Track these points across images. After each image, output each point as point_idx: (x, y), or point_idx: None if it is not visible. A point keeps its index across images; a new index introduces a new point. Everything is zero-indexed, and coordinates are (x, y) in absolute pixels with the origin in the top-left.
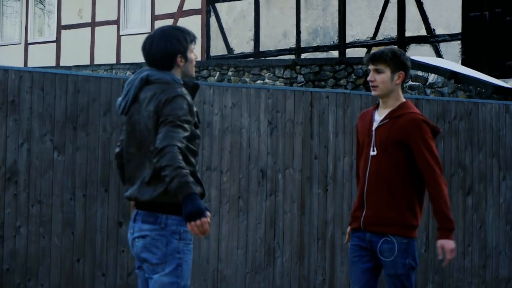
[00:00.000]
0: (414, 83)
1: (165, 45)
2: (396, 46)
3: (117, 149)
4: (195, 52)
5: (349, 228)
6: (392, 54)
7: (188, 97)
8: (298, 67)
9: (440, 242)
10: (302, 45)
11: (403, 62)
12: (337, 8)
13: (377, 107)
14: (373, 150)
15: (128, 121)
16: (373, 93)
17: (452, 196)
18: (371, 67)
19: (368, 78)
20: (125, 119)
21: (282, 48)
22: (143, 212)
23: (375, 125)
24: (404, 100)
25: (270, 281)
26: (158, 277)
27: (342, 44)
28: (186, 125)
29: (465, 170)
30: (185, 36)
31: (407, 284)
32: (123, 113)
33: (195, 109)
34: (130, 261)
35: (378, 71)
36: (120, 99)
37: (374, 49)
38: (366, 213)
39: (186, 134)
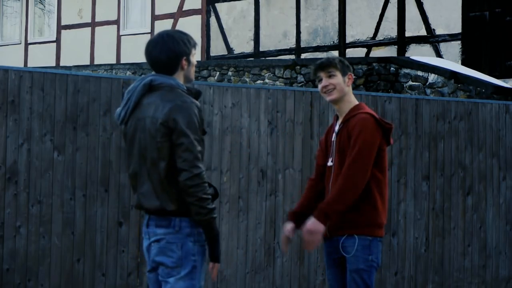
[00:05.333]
0: (414, 83)
1: (172, 47)
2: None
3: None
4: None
5: (288, 223)
6: (338, 59)
7: (197, 104)
8: (298, 67)
9: (310, 221)
10: (302, 45)
11: (348, 65)
12: (337, 8)
13: (337, 118)
14: (331, 161)
15: (129, 129)
16: (328, 98)
17: (452, 196)
18: (322, 74)
19: (322, 85)
20: (124, 129)
21: (282, 48)
22: (155, 217)
23: (334, 135)
24: (357, 102)
25: (270, 281)
26: (174, 281)
27: (342, 44)
28: (200, 144)
29: (465, 170)
30: (189, 40)
31: (367, 281)
32: (123, 122)
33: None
34: (130, 261)
35: (330, 76)
36: (119, 109)
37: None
38: (331, 221)
39: (200, 149)
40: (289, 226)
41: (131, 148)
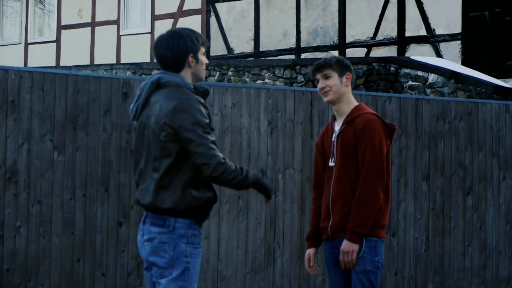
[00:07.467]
0: (414, 83)
1: (178, 44)
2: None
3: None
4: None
5: (310, 250)
6: (335, 59)
7: (201, 101)
8: (298, 67)
9: (344, 243)
10: (302, 45)
11: (347, 65)
12: (337, 8)
13: (335, 118)
14: (333, 161)
15: (139, 126)
16: (325, 99)
17: (452, 196)
18: (318, 76)
19: (319, 87)
20: (135, 124)
21: (282, 48)
22: (151, 214)
23: (334, 135)
24: (357, 103)
25: (270, 281)
26: (165, 282)
27: (342, 44)
28: (211, 132)
29: (465, 170)
30: (197, 37)
31: (374, 282)
32: (135, 119)
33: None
34: (130, 261)
35: (326, 77)
36: (132, 104)
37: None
38: (333, 221)
39: (213, 139)
40: (309, 253)
41: (140, 145)
